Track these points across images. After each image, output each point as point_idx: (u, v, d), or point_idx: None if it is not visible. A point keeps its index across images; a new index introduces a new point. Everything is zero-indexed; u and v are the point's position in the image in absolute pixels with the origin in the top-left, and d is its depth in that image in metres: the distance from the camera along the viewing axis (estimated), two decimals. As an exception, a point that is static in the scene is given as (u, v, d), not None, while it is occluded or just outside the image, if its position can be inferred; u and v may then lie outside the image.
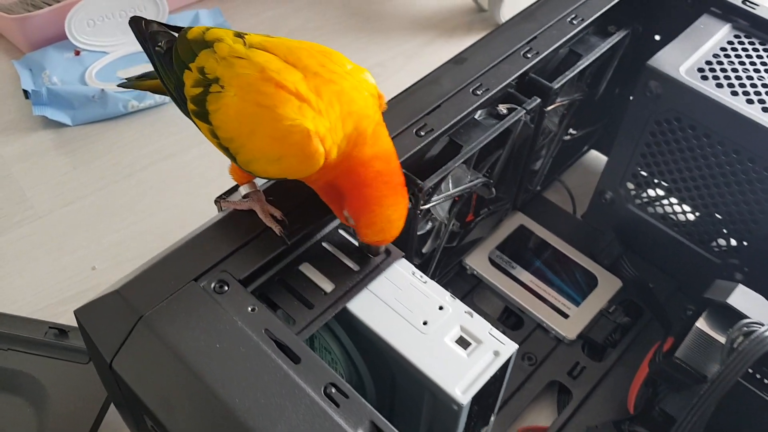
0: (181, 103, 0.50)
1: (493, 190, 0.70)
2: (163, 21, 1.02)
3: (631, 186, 0.75)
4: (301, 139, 0.43)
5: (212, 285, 0.47)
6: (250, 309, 0.46)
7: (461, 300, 0.50)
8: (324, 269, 0.51)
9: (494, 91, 0.62)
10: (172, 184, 0.89)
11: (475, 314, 0.49)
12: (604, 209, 0.78)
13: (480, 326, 0.49)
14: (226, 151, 0.47)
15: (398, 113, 0.59)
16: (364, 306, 0.49)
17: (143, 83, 0.58)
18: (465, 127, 0.63)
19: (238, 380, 0.42)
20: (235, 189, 0.53)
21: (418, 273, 0.52)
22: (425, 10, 1.18)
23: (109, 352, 0.45)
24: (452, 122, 0.59)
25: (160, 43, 0.51)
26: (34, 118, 0.93)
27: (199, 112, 0.47)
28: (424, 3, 1.19)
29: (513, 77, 0.64)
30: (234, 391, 0.42)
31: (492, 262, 0.78)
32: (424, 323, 0.48)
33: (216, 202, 0.53)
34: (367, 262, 0.51)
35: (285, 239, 0.50)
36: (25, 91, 0.93)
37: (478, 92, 0.61)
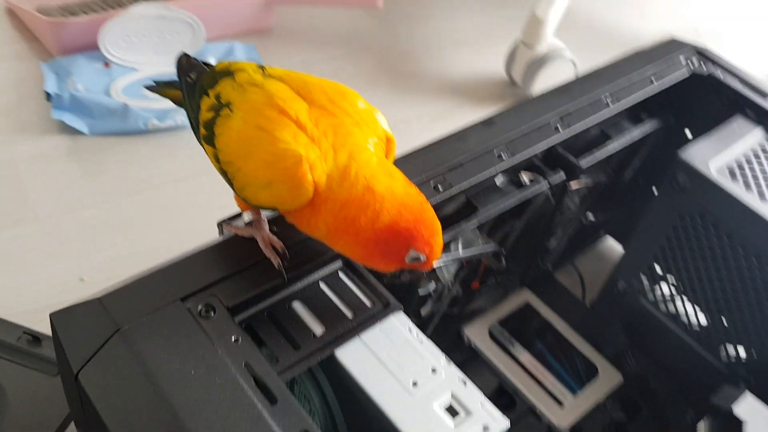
0: (195, 128, 0.51)
1: (504, 261, 0.68)
2: (199, 46, 1.04)
3: (644, 279, 0.72)
4: (292, 165, 0.42)
5: (198, 308, 0.44)
6: (233, 339, 0.43)
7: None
8: (317, 311, 0.48)
9: (519, 159, 0.60)
10: (178, 208, 0.87)
11: (469, 382, 0.46)
12: (614, 299, 0.76)
13: (473, 396, 0.45)
14: (225, 175, 0.47)
15: (419, 165, 0.57)
16: (353, 356, 0.46)
17: (169, 92, 0.58)
18: (484, 190, 0.61)
19: (208, 412, 0.39)
20: (240, 215, 0.51)
21: (415, 330, 0.49)
22: (458, 77, 1.18)
23: (77, 361, 0.42)
24: (472, 182, 0.58)
25: (191, 74, 0.53)
26: (52, 121, 0.92)
27: (207, 136, 0.48)
28: (458, 69, 1.20)
29: (540, 147, 0.62)
30: (200, 423, 0.38)
31: (492, 336, 0.75)
32: (414, 384, 0.45)
33: (218, 225, 0.51)
34: (362, 310, 0.49)
35: (282, 273, 0.47)
36: (48, 94, 0.93)
37: (503, 156, 0.60)
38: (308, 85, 0.47)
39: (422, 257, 0.45)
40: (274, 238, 0.48)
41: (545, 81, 1.10)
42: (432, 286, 0.65)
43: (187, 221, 0.85)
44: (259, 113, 0.45)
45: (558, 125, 0.64)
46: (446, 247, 0.60)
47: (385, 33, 1.24)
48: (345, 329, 0.47)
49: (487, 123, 0.62)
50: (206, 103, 0.48)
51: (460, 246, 0.63)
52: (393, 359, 0.46)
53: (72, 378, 0.42)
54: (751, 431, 0.51)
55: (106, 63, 1.00)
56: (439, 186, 0.56)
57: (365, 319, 0.48)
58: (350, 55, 1.16)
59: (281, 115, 0.44)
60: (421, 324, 0.68)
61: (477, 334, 0.75)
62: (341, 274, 0.51)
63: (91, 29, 0.98)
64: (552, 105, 0.66)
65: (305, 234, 0.48)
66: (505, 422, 0.44)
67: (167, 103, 0.94)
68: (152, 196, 0.88)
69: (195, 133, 0.51)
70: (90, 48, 1.00)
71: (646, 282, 0.72)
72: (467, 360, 0.74)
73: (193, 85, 0.52)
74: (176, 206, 0.87)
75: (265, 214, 0.50)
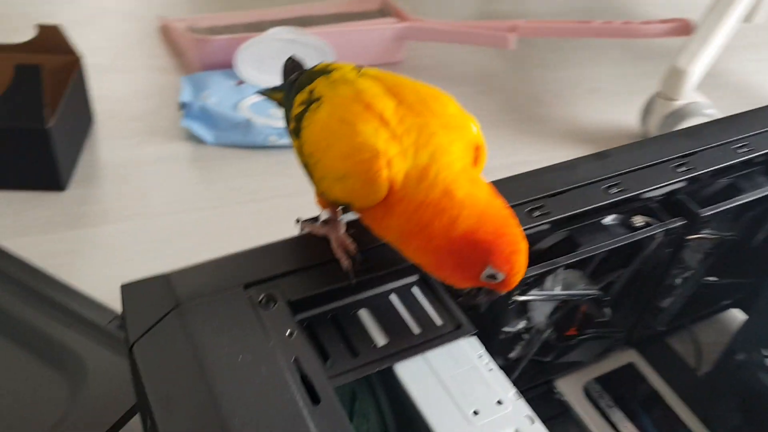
0: (287, 123, 0.51)
1: (607, 311, 0.62)
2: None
3: (767, 353, 0.63)
4: (368, 159, 0.41)
5: (259, 297, 0.43)
6: (288, 333, 0.41)
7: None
8: (383, 322, 0.45)
9: (631, 194, 0.55)
10: (281, 221, 0.87)
11: (537, 421, 0.41)
12: (731, 372, 0.67)
13: (539, 436, 0.41)
14: (306, 168, 0.47)
15: (515, 188, 0.54)
16: (414, 373, 0.43)
17: (275, 95, 0.60)
18: (589, 227, 0.56)
19: (247, 400, 0.37)
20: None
21: (487, 357, 0.45)
22: (587, 124, 1.13)
23: (135, 332, 0.42)
24: (574, 213, 0.53)
25: (293, 74, 0.53)
26: (181, 129, 0.97)
27: (295, 128, 0.48)
28: (588, 117, 1.15)
29: (657, 188, 0.57)
30: (237, 410, 0.37)
31: (587, 393, 0.69)
32: (475, 413, 0.41)
33: (297, 221, 0.50)
34: (431, 328, 0.45)
35: (350, 276, 0.45)
36: (181, 104, 0.98)
37: (612, 191, 0.55)
38: (400, 85, 0.45)
39: (500, 276, 0.41)
40: (347, 240, 0.47)
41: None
42: (522, 324, 0.61)
43: (287, 234, 0.86)
44: (345, 107, 0.44)
45: (679, 166, 0.58)
46: (541, 283, 0.56)
47: (515, 75, 1.22)
48: (409, 344, 0.44)
49: (600, 155, 0.58)
50: (299, 98, 0.48)
51: (557, 286, 0.58)
52: (456, 383, 0.43)
53: (128, 350, 0.42)
54: None
55: (239, 81, 1.05)
56: (536, 212, 0.52)
57: (433, 338, 0.45)
58: (477, 94, 1.15)
59: (366, 110, 0.43)
60: (508, 367, 0.63)
61: (570, 388, 0.69)
62: (416, 289, 0.48)
63: (230, 48, 1.03)
64: (675, 146, 0.60)
65: (382, 240, 0.47)
66: (569, 470, 0.39)
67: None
68: (260, 208, 0.90)
69: (286, 129, 0.51)
70: (227, 66, 1.05)
71: (770, 356, 0.63)
72: (556, 416, 0.68)
73: (292, 83, 0.52)
74: (280, 219, 0.87)
75: (342, 216, 0.48)
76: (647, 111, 1.10)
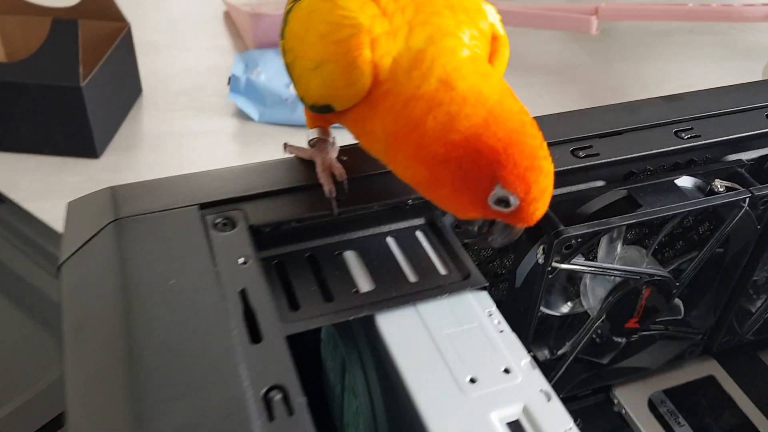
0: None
1: (678, 304, 0.51)
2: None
3: None
4: (347, 37, 0.32)
5: (216, 219, 0.35)
6: (241, 261, 0.33)
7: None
8: (372, 266, 0.37)
9: (708, 141, 0.44)
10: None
11: (554, 397, 0.31)
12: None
13: (555, 417, 0.31)
14: (288, 69, 0.38)
15: (556, 127, 0.44)
16: (398, 326, 0.34)
17: None
18: (655, 186, 0.45)
19: (167, 330, 0.29)
20: None
21: (498, 316, 0.35)
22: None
23: (66, 252, 0.35)
24: (631, 156, 0.43)
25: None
26: (227, 106, 0.93)
27: (282, 29, 0.39)
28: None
29: (744, 142, 0.46)
30: (151, 341, 0.29)
31: (652, 406, 0.57)
32: (472, 381, 0.32)
33: (284, 146, 0.42)
34: (431, 276, 0.36)
35: (333, 206, 0.37)
36: (230, 78, 0.93)
37: (684, 135, 0.44)
38: None
39: (512, 200, 0.32)
40: (336, 164, 0.38)
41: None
42: (566, 307, 0.50)
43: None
44: None
45: (775, 118, 0.47)
46: (584, 244, 0.45)
47: (597, 68, 1.11)
48: (399, 292, 0.35)
49: (671, 98, 0.47)
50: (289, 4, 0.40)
51: (614, 260, 0.47)
52: (453, 344, 0.33)
53: (56, 270, 0.35)
54: None
55: (295, 60, 1.00)
56: (581, 152, 0.42)
57: (430, 288, 0.35)
58: (553, 84, 1.05)
59: None
60: (551, 362, 0.52)
61: (633, 400, 0.57)
62: (418, 233, 0.39)
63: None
64: (772, 95, 0.49)
65: (383, 168, 0.38)
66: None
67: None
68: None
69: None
70: (282, 44, 1.00)
71: None
72: (612, 430, 0.56)
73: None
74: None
75: (334, 138, 0.40)
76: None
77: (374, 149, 0.35)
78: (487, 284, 0.36)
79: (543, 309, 0.48)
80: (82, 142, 0.81)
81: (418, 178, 0.33)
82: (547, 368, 0.52)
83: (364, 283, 0.35)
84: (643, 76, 1.10)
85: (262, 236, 0.36)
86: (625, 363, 0.57)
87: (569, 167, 0.41)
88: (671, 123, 0.44)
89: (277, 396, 0.27)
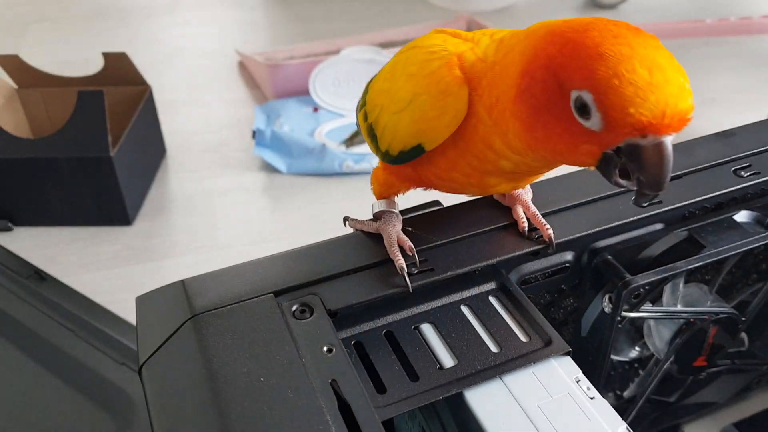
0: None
1: (743, 337, 0.50)
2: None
3: None
4: (438, 67, 0.32)
5: (293, 307, 0.35)
6: (326, 349, 0.33)
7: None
8: (451, 339, 0.36)
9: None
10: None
11: (659, 467, 0.30)
12: None
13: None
14: (371, 133, 0.38)
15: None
16: (489, 401, 0.33)
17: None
18: (715, 224, 0.45)
19: (265, 430, 0.29)
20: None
21: (586, 382, 0.34)
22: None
23: (145, 352, 0.34)
24: (694, 201, 0.42)
25: None
26: (255, 159, 0.93)
27: (360, 104, 0.41)
28: (707, 129, 1.01)
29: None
30: (251, 445, 0.28)
31: (723, 442, 0.55)
32: (572, 455, 0.31)
33: (345, 220, 0.42)
34: (513, 346, 0.35)
35: (406, 281, 0.36)
36: (254, 132, 0.93)
37: (743, 174, 0.43)
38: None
39: (590, 101, 0.26)
40: (404, 237, 0.38)
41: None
42: (634, 352, 0.49)
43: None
44: (408, 49, 0.36)
45: (833, 146, 0.46)
46: (652, 292, 0.44)
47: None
48: (483, 366, 0.34)
49: (724, 134, 0.47)
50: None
51: (678, 302, 0.47)
52: (545, 415, 0.33)
53: (138, 372, 0.34)
54: None
55: (315, 108, 1.00)
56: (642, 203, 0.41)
57: (515, 357, 0.35)
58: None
59: (434, 34, 0.36)
60: (620, 407, 0.51)
61: (702, 436, 0.56)
62: (492, 299, 0.38)
63: (304, 74, 0.98)
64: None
65: (450, 235, 0.38)
66: None
67: (365, 147, 0.91)
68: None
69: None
70: (302, 92, 1.00)
71: None
72: (685, 469, 0.55)
73: None
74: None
75: (398, 209, 0.40)
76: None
77: (490, 152, 0.33)
78: (570, 350, 0.35)
79: (613, 356, 0.47)
80: (115, 210, 0.81)
81: (524, 128, 0.30)
82: (617, 412, 0.52)
83: (446, 358, 0.35)
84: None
85: (337, 317, 0.35)
86: (693, 399, 0.56)
87: (633, 218, 0.40)
88: (729, 162, 0.44)
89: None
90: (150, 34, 1.33)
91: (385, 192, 0.40)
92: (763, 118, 0.94)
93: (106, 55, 0.85)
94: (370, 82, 0.40)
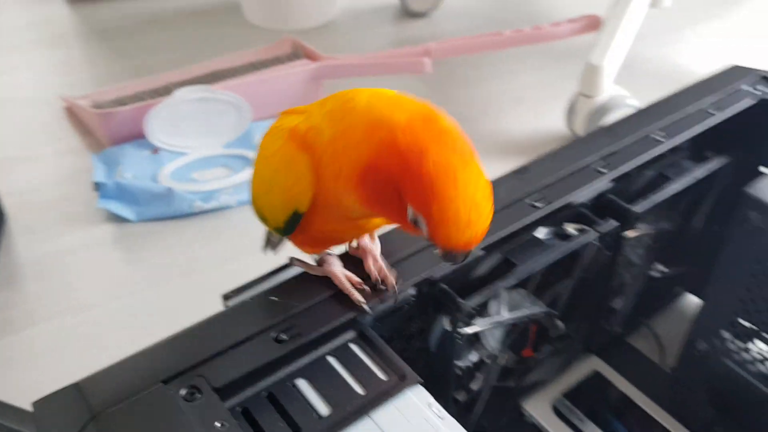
0: None
1: (560, 324, 0.60)
2: (245, 126, 1.03)
3: (728, 336, 0.62)
4: (282, 143, 0.39)
5: (182, 391, 0.40)
6: (219, 425, 0.38)
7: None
8: (323, 388, 0.42)
9: (556, 206, 0.54)
10: (223, 289, 0.84)
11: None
12: (697, 362, 0.66)
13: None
14: (260, 216, 0.45)
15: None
16: (362, 439, 0.40)
17: None
18: (523, 245, 0.54)
19: None
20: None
21: (437, 407, 0.42)
22: (519, 136, 1.13)
23: (50, 456, 0.38)
24: (501, 235, 0.51)
25: None
26: (100, 211, 0.93)
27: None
28: (517, 129, 1.15)
29: (582, 193, 0.56)
30: None
31: (557, 411, 0.67)
32: (433, 470, 0.39)
33: (290, 259, 0.47)
34: (375, 385, 0.42)
35: (363, 308, 0.44)
36: (95, 184, 0.94)
37: (538, 205, 0.53)
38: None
39: (422, 223, 0.34)
40: (350, 274, 0.45)
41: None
42: (475, 355, 0.59)
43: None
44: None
45: (602, 168, 0.57)
46: (482, 310, 0.54)
47: (439, 98, 1.21)
48: (353, 408, 0.41)
49: (520, 171, 0.56)
50: None
51: (503, 308, 0.56)
52: (409, 441, 0.40)
53: (46, 475, 0.38)
54: None
55: (155, 150, 1.01)
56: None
57: (377, 395, 0.42)
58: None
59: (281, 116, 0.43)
60: (471, 400, 0.60)
61: (540, 410, 0.67)
62: (353, 346, 0.45)
63: (139, 117, 0.99)
64: (593, 147, 0.59)
65: (315, 299, 0.44)
66: None
67: (212, 185, 0.94)
68: (200, 280, 0.86)
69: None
70: (138, 136, 1.01)
71: (729, 338, 0.62)
72: (530, 440, 0.66)
73: None
74: (219, 289, 0.84)
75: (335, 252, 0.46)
76: (571, 112, 1.11)
77: (344, 199, 0.38)
78: (422, 381, 0.43)
79: (458, 363, 0.56)
80: (-38, 287, 0.79)
81: (375, 210, 0.37)
82: (469, 405, 0.61)
83: (321, 407, 0.41)
84: (481, 98, 1.22)
85: (223, 391, 0.40)
86: (527, 380, 0.67)
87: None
88: (523, 197, 0.54)
89: None
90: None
91: (307, 249, 0.46)
92: (566, 108, 1.07)
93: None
94: None
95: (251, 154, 1.02)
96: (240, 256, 0.88)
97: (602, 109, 1.05)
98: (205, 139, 1.01)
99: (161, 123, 0.99)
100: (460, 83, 1.26)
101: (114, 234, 0.91)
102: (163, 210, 0.92)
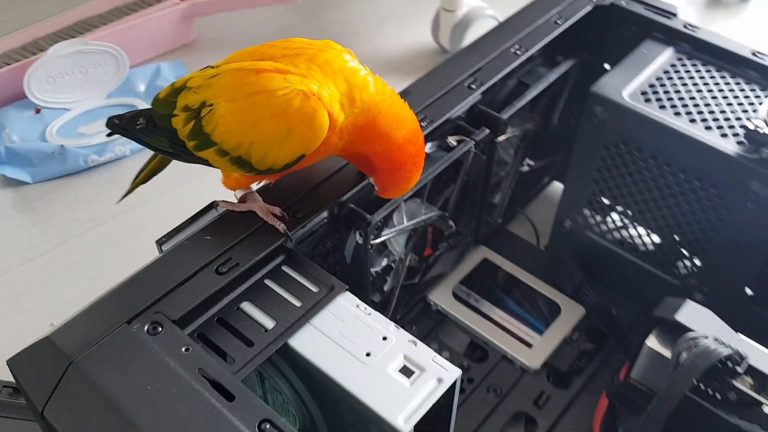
0: (180, 151, 0.51)
1: (452, 223, 0.70)
2: (125, 74, 1.04)
3: (588, 213, 0.74)
4: (300, 102, 0.45)
5: (145, 327, 0.46)
6: (183, 349, 0.45)
7: (426, 337, 0.49)
8: (266, 307, 0.50)
9: (438, 123, 0.62)
10: (133, 238, 0.88)
11: (419, 342, 0.48)
12: (565, 238, 0.78)
13: (424, 354, 0.47)
14: (239, 162, 0.48)
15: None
16: (307, 341, 0.48)
17: (140, 178, 0.59)
18: (414, 159, 0.63)
19: (170, 421, 0.41)
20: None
21: (363, 305, 0.51)
22: (390, 53, 1.20)
23: (40, 400, 0.43)
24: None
25: (139, 121, 0.53)
26: (-5, 177, 0.93)
27: (199, 143, 0.48)
28: (389, 46, 1.21)
29: (458, 109, 0.64)
30: (161, 426, 0.40)
31: (456, 296, 0.77)
32: (368, 354, 0.47)
33: (214, 203, 0.53)
34: (309, 297, 0.50)
35: (288, 235, 0.51)
36: (-16, 151, 0.93)
37: (423, 124, 0.61)
38: (257, 50, 0.49)
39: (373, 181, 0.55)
40: (271, 206, 0.52)
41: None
42: (384, 261, 0.67)
43: (143, 247, 0.85)
44: (241, 86, 0.46)
45: (472, 84, 0.66)
46: (386, 221, 0.62)
47: (310, 24, 1.25)
48: (294, 318, 0.49)
49: (403, 94, 0.64)
50: (179, 121, 0.49)
51: (404, 219, 0.65)
52: (344, 336, 0.48)
53: (39, 417, 0.43)
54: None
55: (37, 109, 1.00)
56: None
57: (313, 305, 0.50)
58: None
59: (259, 74, 0.46)
60: (386, 299, 0.70)
61: (442, 298, 0.77)
62: (285, 268, 0.52)
63: (16, 78, 0.98)
64: (463, 65, 0.68)
65: (245, 233, 0.51)
66: (456, 371, 0.46)
67: (103, 138, 0.96)
68: (105, 231, 0.89)
69: (183, 158, 0.52)
70: (19, 97, 1.00)
71: (590, 215, 0.74)
72: (438, 324, 0.76)
73: (149, 124, 0.52)
74: (130, 236, 0.88)
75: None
76: (436, 26, 1.18)
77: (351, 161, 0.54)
78: (347, 287, 0.51)
79: (372, 270, 0.65)
80: None
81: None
82: (384, 304, 0.70)
83: (267, 322, 0.49)
84: (350, 21, 1.26)
85: (181, 321, 0.47)
86: (430, 275, 0.77)
87: (361, 185, 0.56)
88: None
89: (267, 425, 0.41)
90: None
91: (241, 187, 0.52)
92: (426, 26, 1.13)
93: None
94: (197, 117, 0.48)
95: (135, 102, 1.03)
96: (143, 202, 0.92)
97: (464, 22, 1.13)
98: (86, 92, 1.01)
99: (39, 81, 0.98)
100: (328, 7, 1.30)
101: (12, 199, 0.91)
102: (59, 168, 0.93)
